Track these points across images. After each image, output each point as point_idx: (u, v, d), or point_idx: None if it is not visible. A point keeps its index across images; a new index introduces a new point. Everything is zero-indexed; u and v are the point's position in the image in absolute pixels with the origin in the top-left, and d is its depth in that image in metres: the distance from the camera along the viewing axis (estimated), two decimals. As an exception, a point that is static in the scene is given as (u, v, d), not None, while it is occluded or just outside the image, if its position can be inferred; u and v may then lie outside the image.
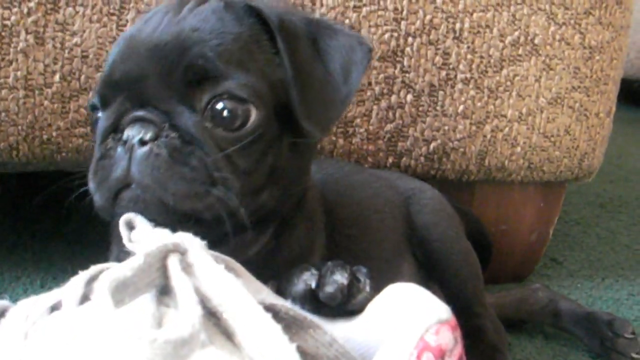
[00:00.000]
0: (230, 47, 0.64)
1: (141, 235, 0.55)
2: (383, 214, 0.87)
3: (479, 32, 1.01)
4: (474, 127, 1.03)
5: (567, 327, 0.98)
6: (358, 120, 1.00)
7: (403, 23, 0.98)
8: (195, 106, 0.64)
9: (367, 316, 0.54)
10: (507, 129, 1.04)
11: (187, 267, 0.47)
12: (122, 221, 0.59)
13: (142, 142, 0.62)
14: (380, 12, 0.98)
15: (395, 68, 0.99)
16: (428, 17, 0.99)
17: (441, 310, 0.50)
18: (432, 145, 1.03)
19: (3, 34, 0.90)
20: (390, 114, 1.01)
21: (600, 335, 0.94)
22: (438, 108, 1.02)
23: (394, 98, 1.00)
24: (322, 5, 0.96)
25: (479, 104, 1.02)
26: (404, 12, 0.98)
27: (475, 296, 0.88)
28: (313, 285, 0.57)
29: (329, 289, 0.56)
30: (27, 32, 0.90)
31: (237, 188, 0.63)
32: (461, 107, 1.02)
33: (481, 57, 1.01)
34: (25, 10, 0.90)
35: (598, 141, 1.11)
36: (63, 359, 0.44)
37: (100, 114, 0.67)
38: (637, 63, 2.85)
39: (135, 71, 0.64)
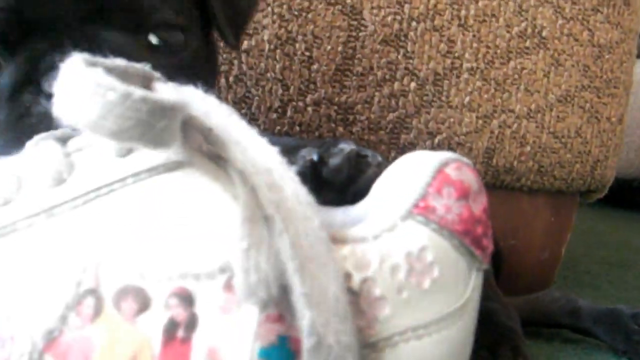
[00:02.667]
0: None
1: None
2: None
3: (484, 20, 0.96)
4: (480, 121, 0.97)
5: (587, 326, 0.89)
6: (359, 107, 0.94)
7: (407, 6, 0.94)
8: None
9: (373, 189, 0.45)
10: (515, 125, 0.98)
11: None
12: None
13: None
14: (382, -6, 0.93)
15: (398, 53, 0.94)
16: (432, 1, 0.95)
17: (461, 156, 0.41)
18: (437, 139, 0.96)
19: None
20: (393, 102, 0.94)
21: (625, 330, 0.85)
22: (443, 98, 0.96)
23: (397, 85, 0.94)
24: (323, -17, 0.92)
25: (485, 97, 0.97)
26: (408, -5, 0.94)
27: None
28: (315, 157, 0.48)
29: (335, 159, 0.47)
30: None
31: None
32: (467, 99, 0.96)
33: (487, 46, 0.97)
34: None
35: (610, 148, 1.05)
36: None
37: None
38: (636, 162, 2.74)
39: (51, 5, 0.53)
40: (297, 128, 0.93)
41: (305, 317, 0.33)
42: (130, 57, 0.51)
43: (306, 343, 0.33)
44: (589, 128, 1.02)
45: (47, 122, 0.50)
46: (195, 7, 0.60)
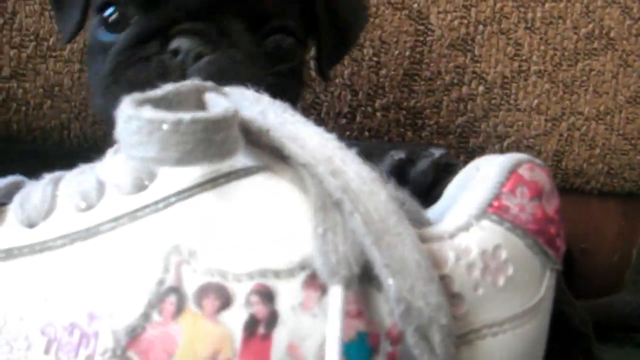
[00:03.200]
0: None
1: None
2: None
3: (551, 22, 0.96)
4: (549, 124, 0.97)
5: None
6: (427, 112, 0.94)
7: (473, 10, 0.94)
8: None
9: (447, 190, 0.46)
10: (584, 127, 0.98)
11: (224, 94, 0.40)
12: None
13: (198, 56, 0.56)
14: (449, -2, 0.94)
15: (465, 57, 0.94)
16: (498, 4, 0.95)
17: (534, 158, 0.42)
18: (505, 142, 0.96)
19: None
20: (462, 106, 0.94)
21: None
22: (511, 102, 0.95)
23: (464, 89, 0.94)
24: (389, -12, 0.92)
25: (553, 99, 0.96)
26: (474, -1, 0.94)
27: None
28: (404, 156, 0.48)
29: (423, 163, 0.48)
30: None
31: None
32: (535, 102, 0.96)
33: (555, 48, 0.96)
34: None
35: (681, 149, 1.04)
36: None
37: (134, 15, 0.59)
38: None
39: None
40: (367, 133, 0.93)
41: (390, 287, 0.34)
42: (249, 54, 0.53)
43: (396, 310, 0.34)
44: (659, 129, 1.01)
45: (167, 75, 0.54)
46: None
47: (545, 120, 0.97)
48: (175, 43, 0.56)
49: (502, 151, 0.96)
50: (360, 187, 0.35)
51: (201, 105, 0.38)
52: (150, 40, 0.57)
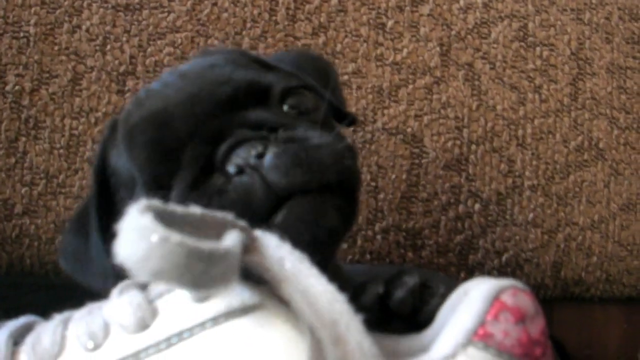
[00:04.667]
0: None
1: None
2: None
3: (541, 138, 0.99)
4: (546, 237, 0.98)
5: None
6: (426, 232, 0.96)
7: (465, 131, 0.97)
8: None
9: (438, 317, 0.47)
10: (580, 237, 1.00)
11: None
12: None
13: (260, 156, 0.52)
14: (441, 121, 0.97)
15: (460, 177, 0.97)
16: (489, 124, 0.97)
17: (517, 282, 0.44)
18: (504, 257, 0.98)
19: (71, 143, 0.91)
20: (459, 224, 0.96)
21: None
22: (507, 217, 0.98)
23: (461, 207, 0.96)
24: (383, 115, 0.95)
25: (548, 212, 0.98)
26: (465, 120, 0.97)
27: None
28: (380, 290, 0.50)
29: (399, 293, 0.50)
30: (93, 142, 0.90)
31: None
32: (531, 215, 0.98)
33: (546, 163, 0.99)
34: (93, 120, 0.90)
35: (677, 252, 1.05)
36: None
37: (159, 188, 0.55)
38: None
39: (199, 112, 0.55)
40: (368, 256, 0.95)
41: None
42: (273, 123, 0.54)
43: None
44: (653, 234, 1.03)
45: (249, 190, 0.51)
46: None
47: (542, 232, 0.98)
48: (231, 167, 0.53)
49: (500, 266, 0.97)
50: None
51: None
52: (199, 184, 0.54)
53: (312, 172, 0.52)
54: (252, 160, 0.52)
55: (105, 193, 0.60)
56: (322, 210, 0.52)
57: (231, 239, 0.38)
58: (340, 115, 0.67)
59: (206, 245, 0.35)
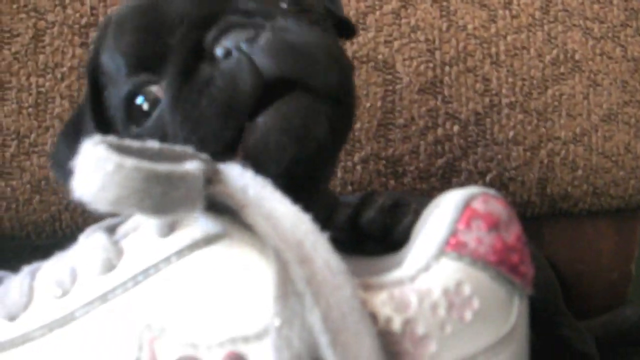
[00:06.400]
0: None
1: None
2: None
3: (516, 54, 0.97)
4: (528, 153, 0.97)
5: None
6: (406, 158, 0.95)
7: (437, 53, 0.95)
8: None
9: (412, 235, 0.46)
10: (563, 152, 0.98)
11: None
12: None
13: (251, 41, 0.49)
14: (412, 45, 0.95)
15: (436, 100, 0.95)
16: (462, 44, 0.96)
17: (488, 189, 0.43)
18: (488, 177, 0.96)
19: (39, 101, 0.90)
20: (439, 148, 0.95)
21: None
22: (487, 137, 0.96)
23: (440, 131, 0.95)
24: (352, 43, 0.93)
25: (529, 128, 0.97)
26: (437, 42, 0.95)
27: (553, 305, 0.79)
28: (350, 211, 0.50)
29: (369, 212, 0.49)
30: (61, 98, 0.89)
31: None
32: (511, 133, 0.97)
33: (523, 79, 0.97)
34: (59, 76, 0.90)
35: (663, 158, 1.04)
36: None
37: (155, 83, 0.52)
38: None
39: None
40: (349, 187, 0.94)
41: None
42: (268, 12, 0.51)
43: None
44: (637, 142, 1.01)
45: (236, 75, 0.47)
46: None
47: (524, 150, 0.97)
48: (219, 49, 0.50)
49: (485, 186, 0.96)
50: (326, 279, 0.36)
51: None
52: (195, 70, 0.51)
53: (306, 63, 0.48)
54: (242, 45, 0.49)
55: (100, 95, 0.57)
56: (314, 116, 0.48)
57: (191, 164, 0.37)
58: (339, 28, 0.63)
59: (163, 167, 0.35)
